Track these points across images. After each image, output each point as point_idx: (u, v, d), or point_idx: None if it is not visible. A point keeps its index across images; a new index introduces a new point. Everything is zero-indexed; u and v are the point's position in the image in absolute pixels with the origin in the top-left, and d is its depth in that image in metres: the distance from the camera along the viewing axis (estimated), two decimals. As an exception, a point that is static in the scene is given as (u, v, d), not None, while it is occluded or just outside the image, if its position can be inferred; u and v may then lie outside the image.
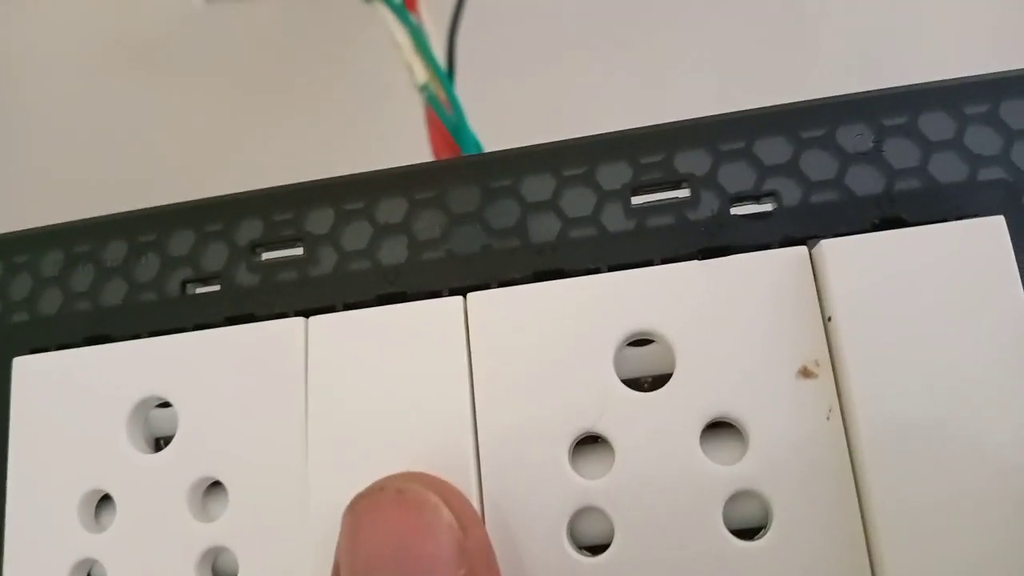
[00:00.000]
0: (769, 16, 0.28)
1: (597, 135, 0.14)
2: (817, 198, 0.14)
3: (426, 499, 0.11)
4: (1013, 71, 0.14)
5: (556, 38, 0.29)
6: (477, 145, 0.24)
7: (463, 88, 0.25)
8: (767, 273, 0.13)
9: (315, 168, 0.28)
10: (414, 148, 0.25)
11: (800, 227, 0.14)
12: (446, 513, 0.11)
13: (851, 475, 0.12)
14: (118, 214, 0.15)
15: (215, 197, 0.15)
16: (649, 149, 0.14)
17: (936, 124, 0.14)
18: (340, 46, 0.28)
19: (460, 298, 0.13)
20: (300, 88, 0.30)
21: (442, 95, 0.24)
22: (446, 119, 0.24)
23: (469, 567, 0.11)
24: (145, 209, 0.15)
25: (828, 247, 0.13)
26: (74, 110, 0.31)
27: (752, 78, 0.27)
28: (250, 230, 0.15)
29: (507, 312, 0.13)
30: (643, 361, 0.13)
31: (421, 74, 0.24)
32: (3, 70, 0.31)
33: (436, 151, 0.24)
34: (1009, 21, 0.27)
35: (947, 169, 0.13)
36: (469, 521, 0.11)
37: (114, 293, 0.15)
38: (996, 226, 0.12)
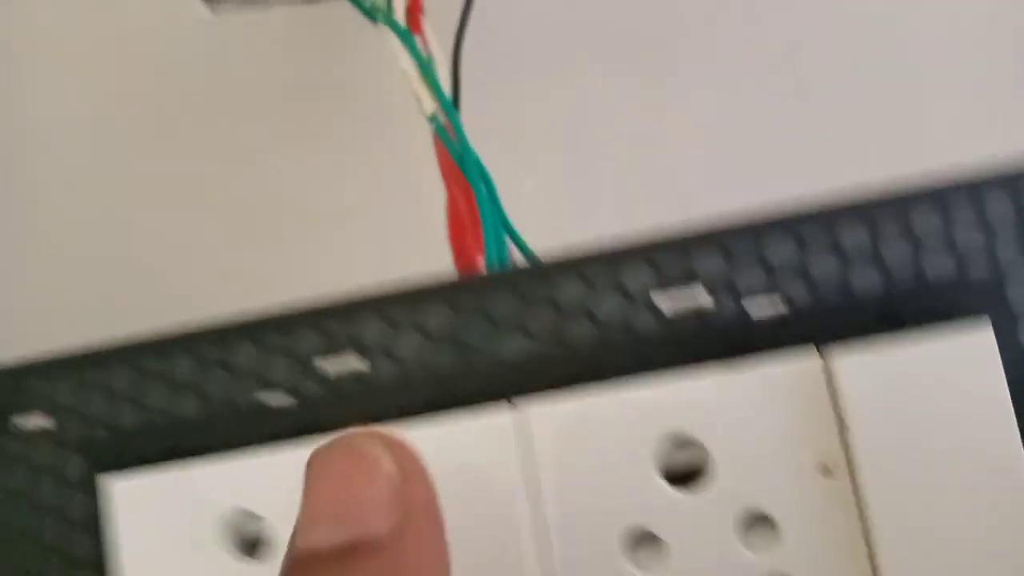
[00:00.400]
0: (771, 26, 0.29)
1: (620, 242, 0.16)
2: (823, 298, 0.15)
3: (368, 451, 0.12)
4: (996, 168, 0.15)
5: (564, 55, 0.30)
6: (483, 174, 0.25)
7: (468, 107, 0.26)
8: (784, 379, 0.15)
9: (328, 184, 0.29)
10: (427, 161, 0.25)
11: (809, 326, 0.15)
12: (387, 463, 0.12)
13: (869, 565, 0.14)
14: (182, 330, 0.16)
15: (274, 312, 0.16)
16: (670, 254, 0.16)
17: (926, 223, 0.15)
18: (355, 54, 0.28)
19: (509, 407, 0.15)
20: (311, 100, 0.30)
21: (449, 124, 0.25)
22: (453, 149, 0.25)
23: (405, 512, 0.12)
24: (207, 325, 0.16)
25: (837, 361, 0.14)
26: (76, 119, 0.31)
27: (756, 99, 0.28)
28: (309, 342, 0.16)
29: (557, 420, 0.15)
30: (682, 457, 0.15)
31: (429, 104, 0.25)
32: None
33: (446, 180, 0.25)
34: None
35: (937, 266, 0.15)
36: (413, 473, 0.12)
37: (187, 407, 0.16)
38: (983, 329, 0.14)
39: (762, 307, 0.15)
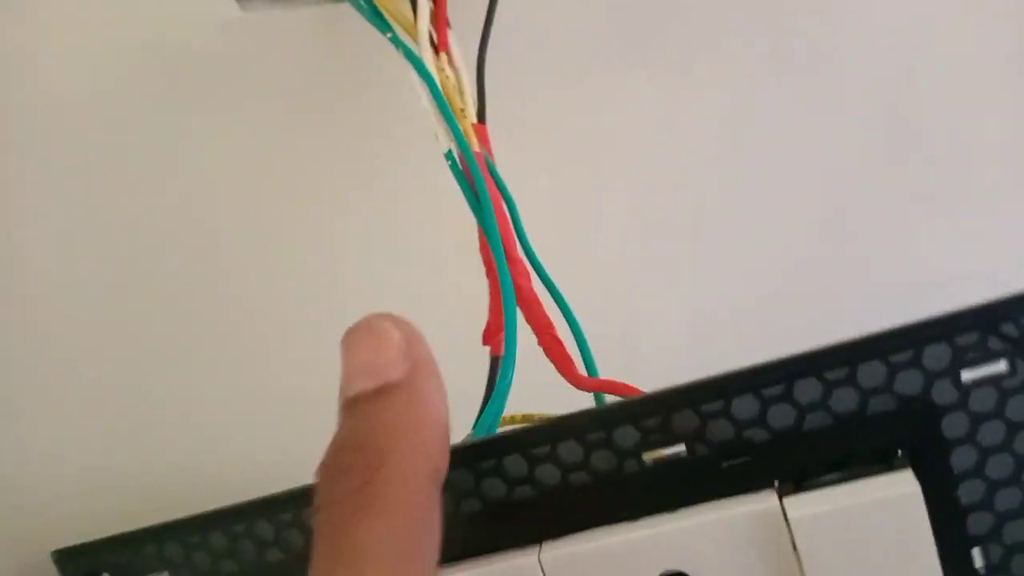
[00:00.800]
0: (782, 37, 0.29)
1: (610, 406, 0.19)
2: (782, 442, 0.18)
3: (381, 327, 0.17)
4: (931, 318, 0.17)
5: (581, 59, 0.30)
6: (508, 200, 0.25)
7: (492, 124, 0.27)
8: (749, 516, 0.18)
9: (355, 185, 0.30)
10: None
11: (770, 467, 0.18)
12: (396, 335, 0.16)
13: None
14: (262, 498, 0.20)
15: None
16: (650, 414, 0.18)
17: (870, 373, 0.18)
18: (385, 52, 0.28)
19: (536, 551, 0.19)
20: (341, 97, 0.30)
21: (466, 167, 0.25)
22: (467, 191, 0.25)
23: (412, 364, 0.16)
24: (276, 494, 0.20)
25: (789, 502, 0.18)
26: (99, 117, 0.31)
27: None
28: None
29: (571, 560, 0.19)
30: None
31: (445, 142, 0.25)
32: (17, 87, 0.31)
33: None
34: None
35: (879, 407, 0.18)
36: (413, 337, 0.17)
37: (273, 555, 0.20)
38: (909, 480, 0.17)
39: (728, 451, 0.18)
